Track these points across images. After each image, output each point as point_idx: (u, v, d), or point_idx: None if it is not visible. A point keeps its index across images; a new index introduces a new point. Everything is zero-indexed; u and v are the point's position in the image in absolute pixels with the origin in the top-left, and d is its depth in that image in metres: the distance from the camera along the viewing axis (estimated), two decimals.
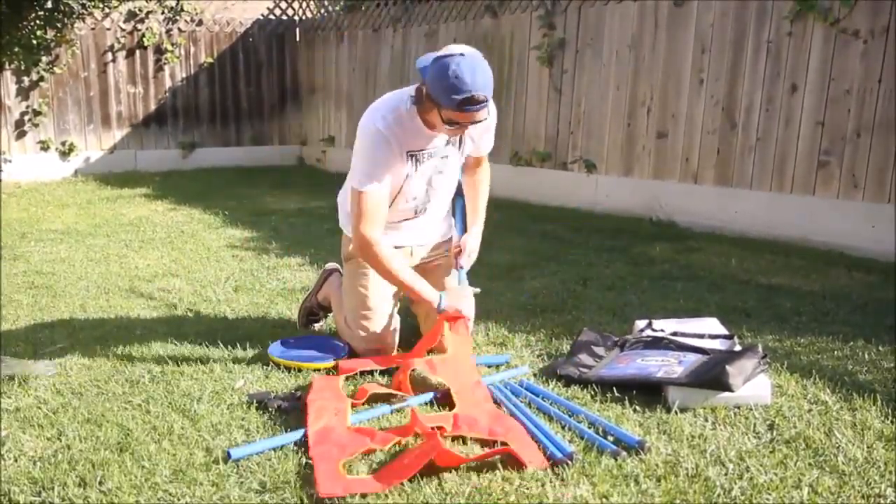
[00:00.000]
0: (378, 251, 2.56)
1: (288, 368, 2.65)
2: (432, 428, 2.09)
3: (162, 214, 5.89)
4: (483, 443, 2.09)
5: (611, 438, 2.09)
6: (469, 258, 2.86)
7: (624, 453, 1.99)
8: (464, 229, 2.95)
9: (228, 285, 3.81)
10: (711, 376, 2.30)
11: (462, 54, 2.35)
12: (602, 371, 2.51)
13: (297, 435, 2.12)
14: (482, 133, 2.79)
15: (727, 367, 2.28)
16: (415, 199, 2.75)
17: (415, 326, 2.96)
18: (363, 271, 2.80)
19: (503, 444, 2.04)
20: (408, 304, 3.13)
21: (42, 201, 6.49)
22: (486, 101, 2.39)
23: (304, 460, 2.00)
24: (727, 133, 5.07)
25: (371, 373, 2.63)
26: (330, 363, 2.68)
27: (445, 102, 2.38)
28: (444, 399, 2.38)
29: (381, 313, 2.80)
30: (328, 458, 1.98)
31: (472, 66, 2.35)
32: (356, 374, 2.61)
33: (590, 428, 2.16)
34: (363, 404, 2.36)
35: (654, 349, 2.61)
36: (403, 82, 6.47)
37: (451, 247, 2.93)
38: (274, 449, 2.06)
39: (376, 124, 2.54)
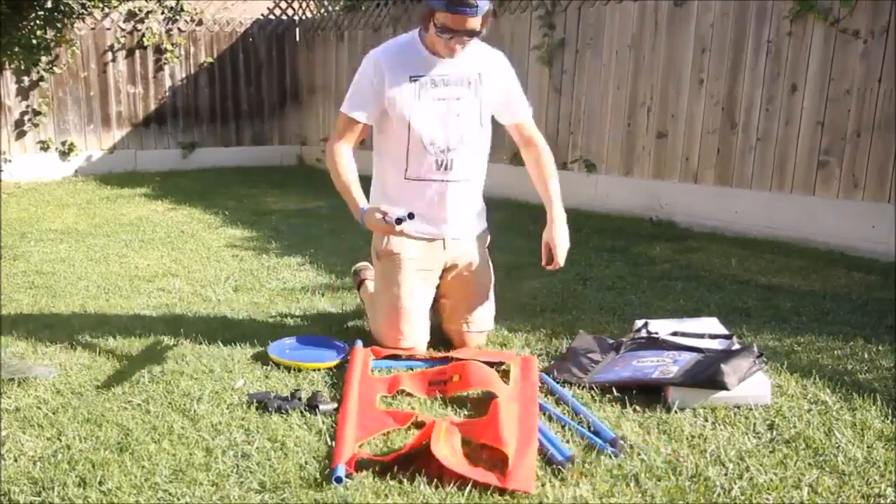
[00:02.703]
0: (338, 159, 2.69)
1: (288, 368, 2.65)
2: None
3: (162, 214, 5.89)
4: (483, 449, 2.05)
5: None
6: (562, 257, 2.67)
7: (622, 455, 1.99)
8: None
9: (228, 285, 3.81)
10: (706, 375, 2.30)
11: None
12: (598, 376, 2.51)
13: None
14: (499, 86, 2.76)
15: (722, 365, 2.29)
16: (432, 143, 2.68)
17: (434, 326, 2.97)
18: (396, 269, 2.77)
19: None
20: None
21: (42, 201, 6.49)
22: (477, 6, 2.43)
23: (304, 459, 2.00)
24: (727, 133, 5.07)
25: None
26: (331, 363, 2.68)
27: (436, 4, 2.46)
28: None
29: (414, 314, 2.77)
30: (348, 439, 2.08)
31: None
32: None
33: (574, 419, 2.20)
34: (395, 393, 2.44)
35: (650, 350, 2.61)
36: None
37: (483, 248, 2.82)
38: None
39: (376, 51, 2.68)
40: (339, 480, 1.88)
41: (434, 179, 2.73)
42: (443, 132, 2.68)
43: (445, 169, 2.71)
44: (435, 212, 2.77)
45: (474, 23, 2.49)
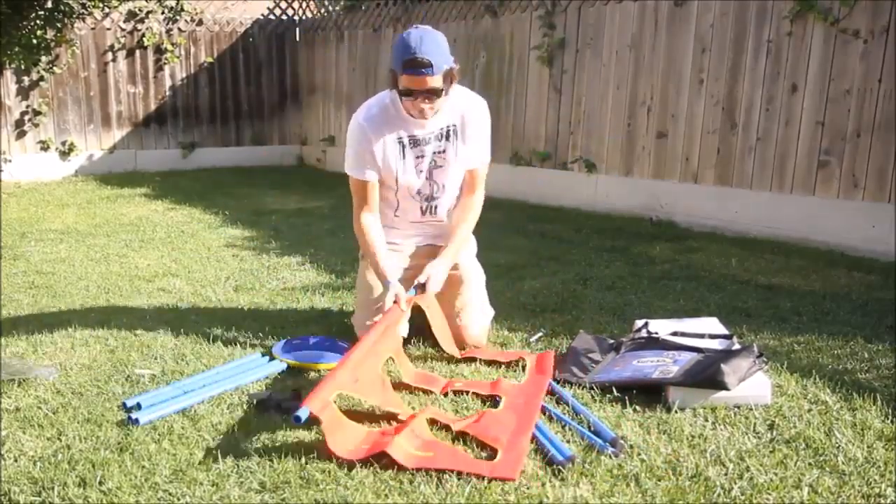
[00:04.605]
0: (365, 231, 2.76)
1: (288, 368, 2.65)
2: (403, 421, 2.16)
3: (162, 214, 5.89)
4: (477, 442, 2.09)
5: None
6: (431, 290, 2.68)
7: (622, 455, 2.00)
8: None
9: (228, 285, 3.81)
10: (706, 375, 2.30)
11: (416, 27, 2.55)
12: (599, 376, 2.51)
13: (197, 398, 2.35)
14: (470, 134, 2.77)
15: (722, 365, 2.29)
16: (419, 192, 2.82)
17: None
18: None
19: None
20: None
21: (42, 201, 6.49)
22: (432, 66, 2.49)
23: (304, 460, 2.00)
24: (727, 133, 5.07)
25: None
26: (336, 364, 2.68)
27: (396, 67, 2.54)
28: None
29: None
30: (332, 383, 2.12)
31: (420, 34, 2.52)
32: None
33: (575, 419, 2.20)
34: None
35: (649, 350, 2.61)
36: None
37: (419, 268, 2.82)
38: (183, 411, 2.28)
39: (359, 117, 2.75)
40: (297, 420, 1.98)
41: (420, 222, 2.91)
42: (427, 184, 2.82)
43: (430, 213, 2.89)
44: (420, 236, 2.96)
45: (434, 82, 2.53)
